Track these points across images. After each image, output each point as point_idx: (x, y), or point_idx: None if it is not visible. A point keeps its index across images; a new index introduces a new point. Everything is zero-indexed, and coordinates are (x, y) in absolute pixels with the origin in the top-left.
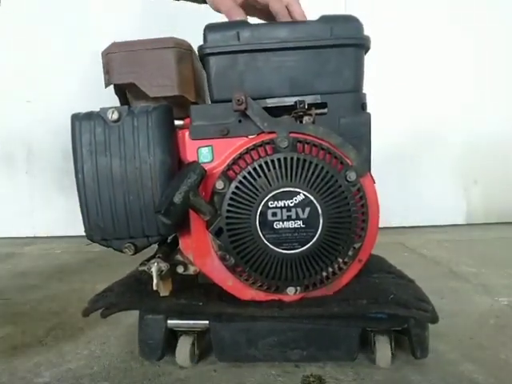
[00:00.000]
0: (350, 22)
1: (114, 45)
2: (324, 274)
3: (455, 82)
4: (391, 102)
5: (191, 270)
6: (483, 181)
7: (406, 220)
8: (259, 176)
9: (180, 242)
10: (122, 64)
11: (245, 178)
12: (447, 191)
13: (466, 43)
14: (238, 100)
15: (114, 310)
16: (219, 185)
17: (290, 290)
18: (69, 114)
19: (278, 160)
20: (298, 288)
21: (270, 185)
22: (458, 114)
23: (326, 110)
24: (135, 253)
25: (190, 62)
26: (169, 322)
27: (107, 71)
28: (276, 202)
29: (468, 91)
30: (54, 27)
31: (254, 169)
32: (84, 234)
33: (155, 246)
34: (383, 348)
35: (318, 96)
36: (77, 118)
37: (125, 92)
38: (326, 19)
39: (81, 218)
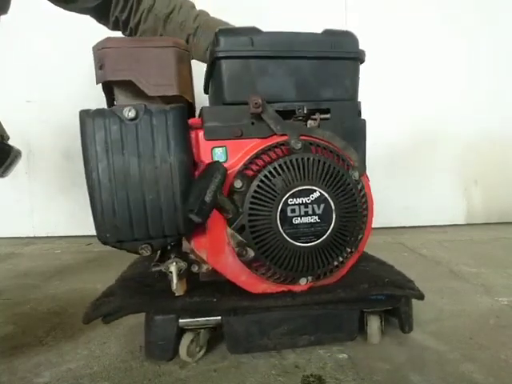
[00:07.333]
0: (348, 37)
1: (110, 40)
2: (335, 263)
3: (455, 82)
4: (391, 102)
5: (204, 268)
6: (483, 181)
7: (406, 220)
8: (279, 175)
9: (193, 241)
10: (119, 60)
11: (266, 177)
12: (447, 191)
13: (465, 45)
14: (256, 103)
15: (121, 314)
16: (237, 184)
17: (302, 281)
18: (69, 114)
19: (296, 160)
20: (309, 278)
21: (290, 183)
22: (458, 115)
23: (329, 116)
24: (151, 253)
25: (188, 62)
26: (180, 320)
27: (101, 67)
28: (295, 200)
29: (468, 91)
30: (55, 27)
31: (274, 168)
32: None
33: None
34: (374, 326)
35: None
36: (88, 115)
37: (112, 90)
38: (328, 33)
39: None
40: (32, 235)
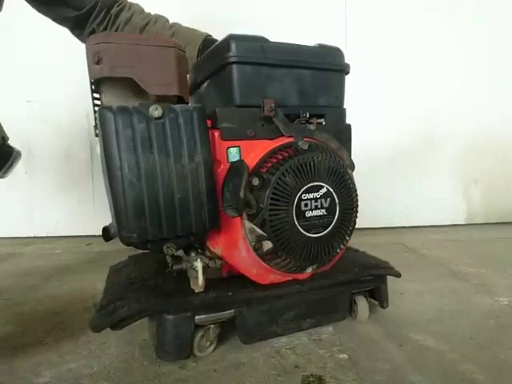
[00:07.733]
0: (339, 52)
1: (109, 35)
2: (338, 250)
3: (455, 82)
4: (391, 103)
5: (218, 263)
6: (483, 181)
7: (405, 220)
8: (294, 173)
9: (208, 239)
10: (118, 57)
11: (283, 174)
12: (447, 191)
13: (465, 45)
14: (270, 107)
15: (138, 317)
16: (255, 181)
17: (308, 269)
18: (69, 113)
19: (308, 159)
20: (315, 266)
21: (303, 180)
22: (458, 115)
23: (323, 120)
24: (175, 253)
25: (185, 64)
26: (196, 317)
27: (98, 62)
28: (307, 195)
29: (468, 91)
30: (55, 27)
31: (290, 166)
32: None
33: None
34: (363, 304)
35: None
36: (111, 111)
37: (98, 86)
38: (323, 47)
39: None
40: (32, 235)
